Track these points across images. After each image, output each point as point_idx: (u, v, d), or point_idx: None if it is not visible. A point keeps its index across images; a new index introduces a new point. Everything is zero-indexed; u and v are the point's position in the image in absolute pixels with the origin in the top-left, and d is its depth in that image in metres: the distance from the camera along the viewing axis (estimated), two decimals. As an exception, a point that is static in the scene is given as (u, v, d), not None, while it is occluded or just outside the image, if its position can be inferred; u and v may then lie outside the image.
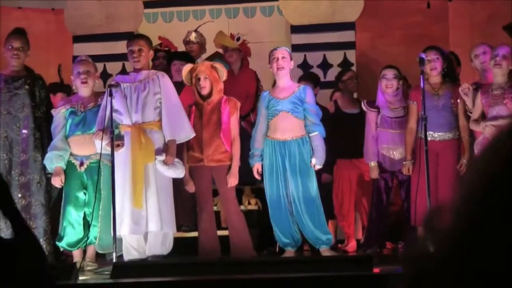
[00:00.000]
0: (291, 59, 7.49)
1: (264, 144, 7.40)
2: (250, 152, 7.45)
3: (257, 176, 7.45)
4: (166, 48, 9.72)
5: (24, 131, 7.30)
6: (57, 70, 9.09)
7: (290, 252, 7.42)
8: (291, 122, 7.33)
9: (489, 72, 7.41)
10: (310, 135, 7.32)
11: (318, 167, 7.32)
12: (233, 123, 7.36)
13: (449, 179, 7.25)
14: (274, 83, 7.74)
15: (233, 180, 7.29)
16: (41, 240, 7.20)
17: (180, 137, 7.14)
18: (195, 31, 9.45)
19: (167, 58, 9.03)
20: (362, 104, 8.03)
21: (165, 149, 7.06)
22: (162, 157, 6.99)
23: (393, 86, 7.75)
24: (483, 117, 7.16)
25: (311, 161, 7.27)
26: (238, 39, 9.37)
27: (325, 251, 7.36)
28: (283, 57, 7.38)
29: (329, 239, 7.41)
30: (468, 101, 7.26)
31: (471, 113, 7.27)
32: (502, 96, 7.07)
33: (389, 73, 7.79)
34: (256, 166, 7.41)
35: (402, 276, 1.13)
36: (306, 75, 8.72)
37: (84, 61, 7.44)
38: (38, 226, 7.22)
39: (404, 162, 7.52)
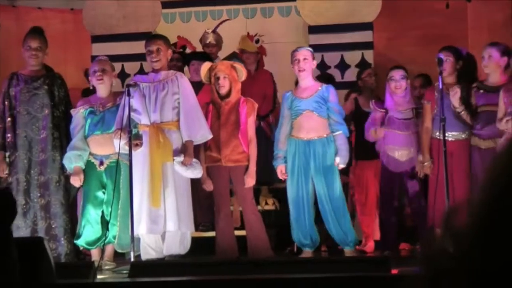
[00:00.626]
0: (313, 59, 7.46)
1: (287, 144, 7.39)
2: (274, 154, 7.45)
3: (281, 177, 7.45)
4: (181, 50, 9.74)
5: (43, 131, 7.33)
6: (83, 74, 9.09)
7: (308, 252, 7.42)
8: (315, 121, 7.32)
9: (496, 72, 7.41)
10: (334, 134, 7.32)
11: (342, 166, 7.32)
12: (250, 124, 7.37)
13: (464, 179, 7.27)
14: (297, 83, 7.72)
15: (250, 180, 7.30)
16: (61, 239, 7.25)
17: (197, 138, 7.15)
18: (213, 31, 9.46)
19: (182, 59, 9.05)
20: (370, 103, 8.03)
21: (183, 149, 7.07)
22: (180, 158, 7.01)
23: (401, 87, 7.76)
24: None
25: (335, 160, 7.26)
26: (257, 42, 9.38)
27: (348, 252, 7.36)
28: (304, 59, 7.37)
29: (354, 240, 7.41)
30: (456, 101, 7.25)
31: (457, 109, 7.27)
32: None
33: (397, 75, 7.79)
34: (280, 168, 7.42)
35: (420, 276, 1.13)
36: (321, 75, 8.67)
37: (100, 60, 7.47)
38: (58, 225, 7.26)
39: (424, 163, 7.50)
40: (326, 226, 7.37)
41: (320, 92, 7.36)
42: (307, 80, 7.45)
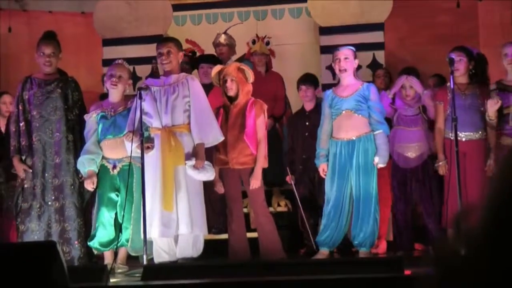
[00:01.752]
0: (355, 58, 7.43)
1: (328, 145, 7.38)
2: (316, 152, 7.45)
3: (322, 176, 7.43)
4: (190, 54, 9.75)
5: (57, 134, 7.35)
6: (101, 79, 9.11)
7: (323, 253, 7.39)
8: (354, 121, 7.30)
9: None
10: (374, 133, 7.28)
11: (381, 165, 7.28)
12: (259, 125, 7.34)
13: (477, 179, 7.24)
14: (338, 82, 7.69)
15: (254, 182, 7.27)
16: (75, 242, 7.27)
17: (208, 141, 7.15)
18: (225, 33, 9.48)
19: (190, 63, 9.07)
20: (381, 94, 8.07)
21: (194, 152, 7.08)
22: (192, 162, 7.01)
23: (410, 95, 7.79)
24: None
25: (374, 160, 7.26)
26: (267, 44, 9.39)
27: (363, 253, 7.34)
28: (345, 58, 7.35)
29: (373, 242, 7.39)
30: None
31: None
32: None
33: (407, 83, 7.81)
34: (322, 166, 7.41)
35: (432, 276, 1.13)
36: (305, 77, 8.48)
37: (119, 65, 7.47)
38: (72, 228, 7.27)
39: (438, 164, 7.50)
40: (353, 226, 7.31)
41: (360, 90, 7.33)
42: (348, 79, 7.41)
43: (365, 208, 7.24)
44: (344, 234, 7.46)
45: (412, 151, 7.75)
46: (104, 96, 8.00)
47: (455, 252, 1.12)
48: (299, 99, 8.62)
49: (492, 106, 7.17)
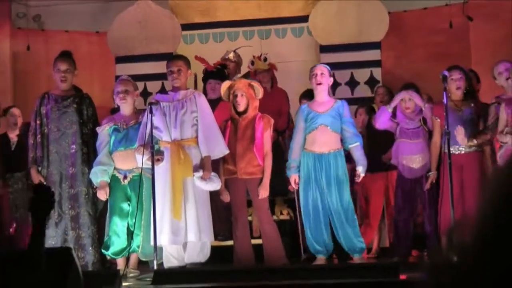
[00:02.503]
0: (330, 76, 7.53)
1: (301, 156, 7.43)
2: (287, 163, 7.49)
3: (294, 187, 7.48)
4: (219, 66, 9.69)
5: (73, 146, 7.38)
6: (112, 95, 9.12)
7: (321, 259, 7.42)
8: (328, 136, 7.38)
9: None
10: (352, 146, 7.38)
11: (363, 175, 7.36)
12: (266, 138, 7.37)
13: (475, 190, 7.25)
14: (304, 94, 7.78)
15: (263, 192, 7.29)
16: (89, 248, 7.29)
17: (214, 153, 7.17)
18: (234, 51, 9.50)
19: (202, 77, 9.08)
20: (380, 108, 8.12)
21: (202, 164, 7.10)
22: (199, 173, 7.04)
23: (410, 107, 7.80)
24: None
25: (356, 170, 7.33)
26: (265, 60, 9.37)
27: (357, 259, 7.37)
28: (321, 73, 7.45)
29: (363, 248, 7.44)
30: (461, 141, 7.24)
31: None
32: None
33: (406, 95, 7.82)
34: (293, 177, 7.44)
35: (426, 285, 1.13)
36: (307, 92, 8.53)
37: (123, 81, 7.51)
38: (86, 235, 7.29)
39: (428, 174, 7.53)
40: (336, 234, 7.38)
41: (335, 107, 7.43)
42: (323, 94, 7.51)
43: (345, 218, 7.31)
44: (330, 241, 7.46)
45: (416, 162, 7.76)
46: (115, 110, 8.03)
47: (449, 263, 1.11)
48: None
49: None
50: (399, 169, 7.85)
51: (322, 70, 7.49)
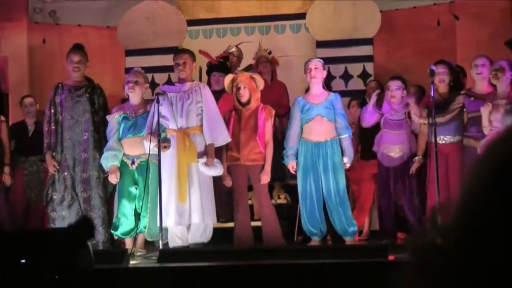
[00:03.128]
0: (323, 69, 7.53)
1: (299, 145, 7.44)
2: (284, 151, 7.49)
3: (293, 172, 7.49)
4: (221, 59, 9.69)
5: (85, 133, 7.40)
6: (123, 87, 9.12)
7: (316, 241, 7.45)
8: (324, 125, 7.39)
9: (483, 82, 7.40)
10: (341, 137, 7.39)
11: (348, 165, 7.40)
12: (267, 128, 7.39)
13: (458, 176, 7.32)
14: (307, 90, 7.78)
15: (265, 178, 7.32)
16: (100, 228, 7.32)
17: (218, 141, 7.19)
18: (236, 46, 9.51)
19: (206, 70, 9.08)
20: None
21: (206, 151, 7.12)
22: (203, 160, 7.06)
23: (396, 96, 7.79)
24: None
25: (342, 160, 7.31)
26: (270, 53, 9.40)
27: (349, 240, 7.40)
28: (315, 68, 7.45)
29: (355, 231, 7.47)
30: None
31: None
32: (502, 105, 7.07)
33: (393, 85, 7.84)
34: (291, 164, 7.45)
35: (410, 265, 1.12)
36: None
37: (136, 72, 7.52)
38: (97, 216, 7.31)
39: (414, 159, 7.58)
40: (330, 218, 7.40)
41: (329, 99, 7.43)
42: (318, 87, 7.51)
43: (339, 202, 7.32)
44: (324, 223, 7.48)
45: (395, 152, 7.78)
46: (125, 100, 8.04)
47: (431, 245, 1.10)
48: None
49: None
50: (378, 157, 7.87)
51: (316, 65, 7.49)
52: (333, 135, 7.41)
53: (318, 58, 7.74)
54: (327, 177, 7.33)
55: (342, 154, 7.39)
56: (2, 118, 8.90)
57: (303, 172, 7.43)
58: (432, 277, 1.08)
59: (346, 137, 7.40)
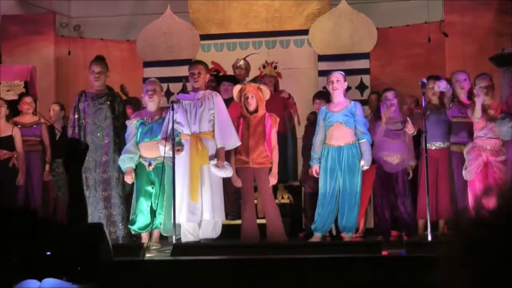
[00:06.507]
0: (344, 81, 7.48)
1: (322, 150, 7.41)
2: (311, 156, 7.48)
3: (315, 175, 7.44)
4: (215, 73, 9.77)
5: (106, 137, 7.40)
6: (120, 90, 9.16)
7: (317, 237, 7.41)
8: (343, 131, 7.34)
9: (465, 94, 7.48)
10: (360, 141, 7.31)
11: (366, 167, 7.32)
12: (273, 134, 7.40)
13: (446, 179, 7.51)
14: (323, 97, 7.88)
15: (273, 179, 7.33)
16: (120, 224, 7.32)
17: (228, 145, 7.19)
18: (244, 59, 9.50)
19: (216, 80, 9.08)
20: (369, 116, 8.11)
21: (217, 154, 7.12)
22: (214, 162, 7.05)
23: (394, 104, 7.79)
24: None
25: (359, 162, 7.27)
26: (275, 68, 9.39)
27: (347, 237, 7.38)
28: (337, 80, 7.40)
29: (355, 228, 7.49)
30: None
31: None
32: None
33: (390, 94, 7.84)
34: (315, 167, 7.42)
35: (452, 245, 1.10)
36: (319, 93, 8.63)
37: (152, 82, 7.52)
38: (117, 213, 7.33)
39: (411, 164, 7.73)
40: (339, 213, 7.35)
41: (349, 107, 7.38)
42: (339, 97, 7.46)
43: (350, 202, 7.28)
44: (332, 222, 7.48)
45: (393, 159, 7.77)
46: (137, 108, 8.08)
47: (477, 223, 1.08)
48: (304, 111, 8.78)
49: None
50: (378, 163, 7.85)
51: (338, 77, 7.43)
52: (352, 140, 7.34)
53: (339, 70, 7.65)
54: (344, 178, 7.28)
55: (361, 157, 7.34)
56: (43, 120, 9.05)
57: (324, 175, 7.37)
58: (479, 255, 1.05)
59: (365, 142, 7.31)
